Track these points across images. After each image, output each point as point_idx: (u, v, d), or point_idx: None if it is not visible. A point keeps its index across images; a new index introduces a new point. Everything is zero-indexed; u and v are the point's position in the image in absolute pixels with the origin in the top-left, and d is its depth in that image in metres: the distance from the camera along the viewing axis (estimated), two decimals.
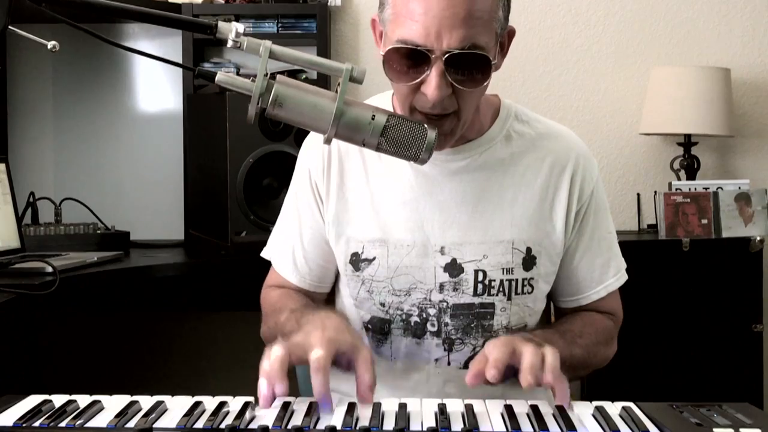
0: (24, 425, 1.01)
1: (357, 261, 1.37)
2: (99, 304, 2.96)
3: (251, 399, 1.10)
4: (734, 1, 3.28)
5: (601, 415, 1.05)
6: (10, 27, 1.07)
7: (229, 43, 1.07)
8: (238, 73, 3.10)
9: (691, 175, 3.14)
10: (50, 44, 1.23)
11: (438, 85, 1.17)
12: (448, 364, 1.36)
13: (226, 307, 3.06)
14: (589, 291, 1.42)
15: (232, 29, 1.07)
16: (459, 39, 1.16)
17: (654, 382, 2.79)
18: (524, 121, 1.40)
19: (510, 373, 1.12)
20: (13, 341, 2.66)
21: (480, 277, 1.33)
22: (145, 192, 3.25)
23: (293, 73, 2.82)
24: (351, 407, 1.06)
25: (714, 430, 0.99)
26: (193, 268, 2.71)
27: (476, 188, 1.35)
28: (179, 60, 2.98)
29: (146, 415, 1.04)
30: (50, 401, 1.10)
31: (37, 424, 1.01)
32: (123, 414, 1.04)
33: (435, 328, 1.35)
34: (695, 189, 3.00)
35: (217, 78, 1.09)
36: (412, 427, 1.02)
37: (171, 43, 3.12)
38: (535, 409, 1.06)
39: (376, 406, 1.07)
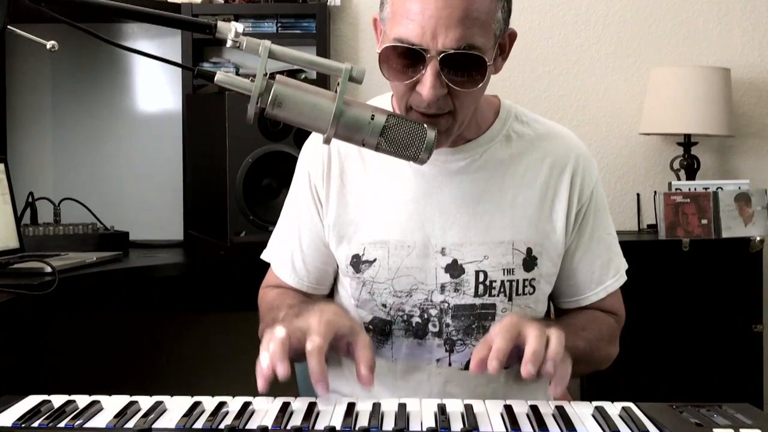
0: (23, 425, 1.00)
1: (358, 263, 1.37)
2: (98, 304, 2.96)
3: (251, 399, 1.10)
4: (734, 1, 3.28)
5: (600, 415, 1.05)
6: (9, 27, 1.07)
7: (229, 43, 1.07)
8: (237, 73, 3.10)
9: (691, 175, 3.14)
10: (49, 44, 1.23)
11: (433, 85, 1.17)
12: (449, 364, 1.36)
13: (226, 307, 3.06)
14: (589, 292, 1.42)
15: (231, 29, 1.07)
16: (455, 39, 1.15)
17: (654, 382, 2.79)
18: (524, 122, 1.40)
19: (514, 357, 1.12)
20: (12, 341, 2.66)
21: (481, 277, 1.33)
22: (145, 192, 3.25)
23: (293, 73, 2.82)
24: (350, 408, 1.06)
25: (714, 430, 0.99)
26: (193, 269, 2.71)
27: (476, 189, 1.34)
28: (178, 60, 2.98)
29: (145, 415, 1.04)
30: (49, 401, 1.09)
31: (36, 424, 1.01)
32: (122, 414, 1.04)
33: (436, 329, 1.35)
34: (695, 189, 3.00)
35: (216, 78, 1.09)
36: (411, 428, 1.02)
37: (170, 43, 3.12)
38: (534, 409, 1.06)
39: (376, 407, 1.07)
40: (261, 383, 1.08)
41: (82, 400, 1.10)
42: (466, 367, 1.34)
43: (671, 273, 2.84)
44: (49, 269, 2.07)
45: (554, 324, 1.26)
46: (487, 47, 1.19)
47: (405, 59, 1.19)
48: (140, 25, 3.17)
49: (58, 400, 1.10)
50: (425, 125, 1.16)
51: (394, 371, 1.38)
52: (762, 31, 3.29)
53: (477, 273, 1.33)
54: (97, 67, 3.23)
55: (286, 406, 1.07)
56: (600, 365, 1.39)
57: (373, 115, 1.13)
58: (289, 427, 1.00)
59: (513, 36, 1.29)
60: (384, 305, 1.36)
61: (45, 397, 1.11)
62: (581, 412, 1.08)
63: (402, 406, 1.07)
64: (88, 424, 1.01)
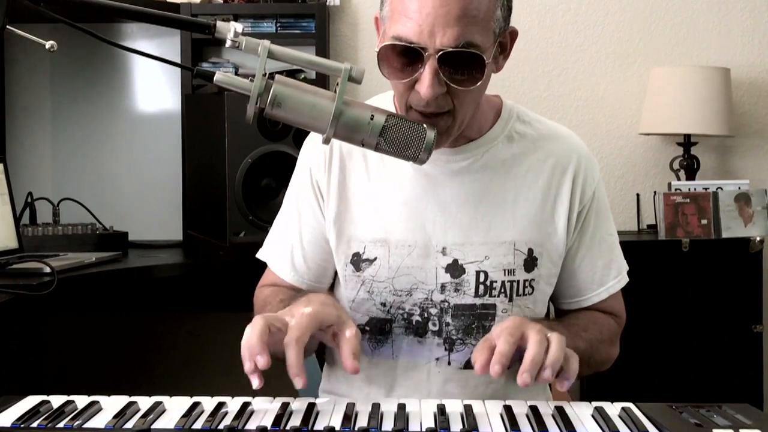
0: (22, 426, 1.00)
1: (358, 261, 1.36)
2: (97, 304, 2.96)
3: (250, 399, 1.10)
4: (734, 1, 3.28)
5: (600, 415, 1.05)
6: (8, 27, 1.07)
7: (228, 43, 1.07)
8: (236, 73, 3.10)
9: (691, 176, 3.14)
10: (48, 44, 1.23)
11: (431, 83, 1.17)
12: (449, 364, 1.36)
13: (225, 307, 3.05)
14: (590, 293, 1.41)
15: (230, 29, 1.07)
16: (453, 37, 1.15)
17: (654, 382, 2.79)
18: (526, 122, 1.40)
19: (515, 357, 1.12)
20: (11, 342, 2.65)
21: (481, 278, 1.33)
22: (144, 192, 3.25)
23: (292, 73, 2.82)
24: (350, 408, 1.06)
25: (713, 430, 0.99)
26: (192, 269, 2.71)
27: (478, 189, 1.34)
28: (178, 60, 2.98)
29: (145, 415, 1.04)
30: (48, 402, 1.09)
31: (35, 424, 1.01)
32: (121, 415, 1.04)
33: (436, 328, 1.35)
34: (695, 189, 3.00)
35: (215, 78, 1.09)
36: (411, 428, 1.01)
37: (169, 43, 3.12)
38: (534, 409, 1.06)
39: (375, 407, 1.07)
40: (252, 380, 1.07)
41: (81, 401, 1.10)
42: (466, 366, 1.34)
43: (671, 273, 2.84)
44: (48, 269, 2.07)
45: (556, 325, 1.26)
46: (486, 45, 1.19)
47: (403, 58, 1.18)
48: (139, 25, 3.17)
49: (57, 400, 1.10)
50: (425, 125, 1.15)
51: (394, 369, 1.37)
52: (762, 31, 3.29)
53: (477, 273, 1.33)
54: (97, 67, 3.23)
55: (285, 406, 1.07)
56: (600, 366, 1.39)
57: (372, 116, 1.13)
58: (288, 428, 1.00)
59: (514, 34, 1.29)
60: (383, 304, 1.36)
61: (44, 397, 1.11)
62: (581, 412, 1.08)
63: (401, 407, 1.07)
64: (88, 425, 1.01)
